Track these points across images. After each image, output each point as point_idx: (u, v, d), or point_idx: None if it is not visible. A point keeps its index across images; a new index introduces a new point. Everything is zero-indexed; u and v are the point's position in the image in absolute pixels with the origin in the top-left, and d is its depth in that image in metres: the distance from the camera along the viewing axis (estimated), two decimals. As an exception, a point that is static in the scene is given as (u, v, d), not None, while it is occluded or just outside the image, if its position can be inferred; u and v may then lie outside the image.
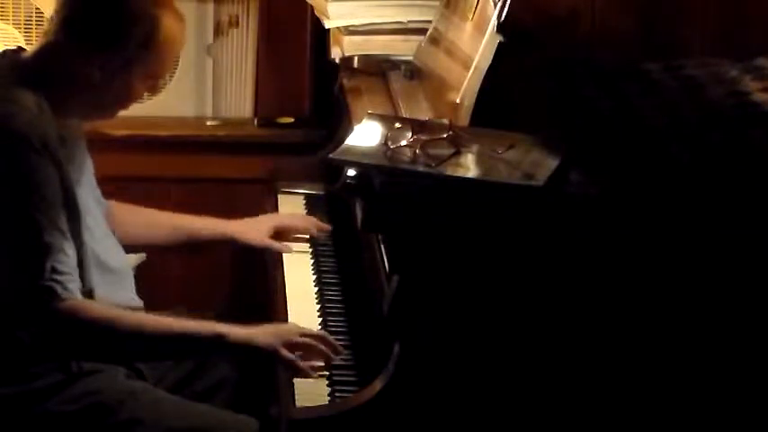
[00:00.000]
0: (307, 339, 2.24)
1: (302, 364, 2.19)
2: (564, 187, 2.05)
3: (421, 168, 2.05)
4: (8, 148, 2.26)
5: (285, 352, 2.21)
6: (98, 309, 2.30)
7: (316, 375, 2.18)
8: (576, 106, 2.38)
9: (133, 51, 2.34)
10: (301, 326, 2.30)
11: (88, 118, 2.54)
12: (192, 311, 2.77)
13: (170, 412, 2.39)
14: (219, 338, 2.27)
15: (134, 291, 2.57)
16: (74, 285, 2.27)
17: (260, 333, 2.26)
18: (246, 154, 3.31)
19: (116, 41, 2.34)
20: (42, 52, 2.40)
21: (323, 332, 2.30)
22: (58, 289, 2.24)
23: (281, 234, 2.78)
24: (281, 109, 3.38)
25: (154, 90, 2.51)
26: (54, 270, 2.24)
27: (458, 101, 2.35)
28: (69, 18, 2.36)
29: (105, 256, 2.45)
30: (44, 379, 2.34)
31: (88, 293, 2.34)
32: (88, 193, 2.47)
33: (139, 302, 2.56)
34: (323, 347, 2.22)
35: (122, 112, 3.32)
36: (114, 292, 2.45)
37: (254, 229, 2.76)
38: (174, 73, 3.36)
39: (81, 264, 2.33)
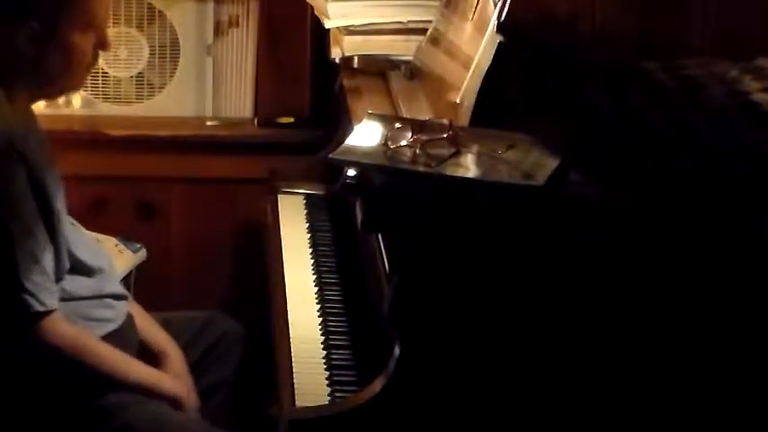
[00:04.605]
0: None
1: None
2: (564, 187, 2.05)
3: (421, 168, 2.05)
4: None
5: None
6: (64, 334, 2.32)
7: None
8: (576, 106, 2.38)
9: (51, 8, 2.29)
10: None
11: (51, 94, 2.47)
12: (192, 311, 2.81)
13: (167, 425, 2.39)
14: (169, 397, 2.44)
15: (118, 285, 2.57)
16: (47, 294, 2.28)
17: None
18: (246, 154, 3.31)
19: (27, 6, 2.29)
20: None
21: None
22: (32, 302, 2.25)
23: None
24: (281, 109, 3.38)
25: (104, 44, 2.38)
26: (28, 281, 2.25)
27: (458, 101, 2.35)
28: None
29: (82, 255, 2.45)
30: (46, 383, 2.34)
31: (64, 292, 2.36)
32: (56, 192, 2.42)
33: (125, 292, 2.57)
34: None
35: (124, 112, 3.35)
36: (99, 289, 2.45)
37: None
38: (173, 72, 3.36)
39: (58, 260, 2.33)
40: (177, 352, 2.56)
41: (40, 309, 2.27)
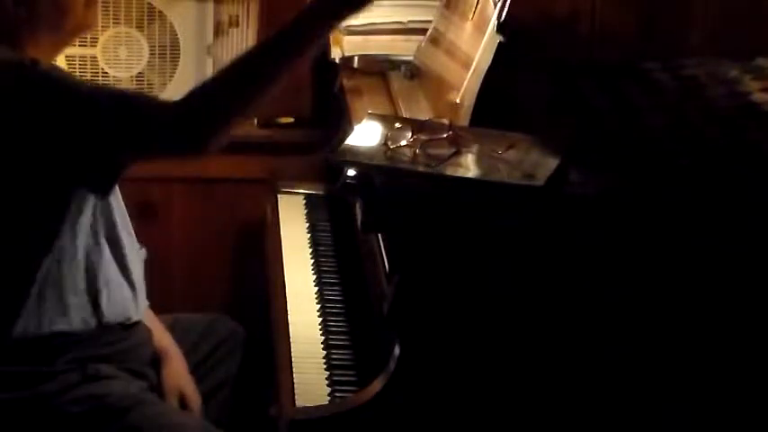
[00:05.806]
0: None
1: None
2: (564, 187, 2.05)
3: (421, 168, 2.05)
4: (42, 84, 2.22)
5: None
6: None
7: None
8: (576, 106, 2.39)
9: None
10: None
11: (67, 40, 2.44)
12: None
13: (168, 426, 2.38)
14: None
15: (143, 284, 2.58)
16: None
17: None
18: (246, 154, 3.30)
19: None
20: None
21: None
22: (169, 104, 2.34)
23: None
24: (281, 109, 3.38)
25: None
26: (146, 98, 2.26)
27: (458, 101, 2.35)
28: None
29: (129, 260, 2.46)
30: (57, 381, 2.34)
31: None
32: None
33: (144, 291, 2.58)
34: None
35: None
36: (135, 306, 2.46)
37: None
38: (173, 72, 3.36)
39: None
40: (178, 353, 2.56)
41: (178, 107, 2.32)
